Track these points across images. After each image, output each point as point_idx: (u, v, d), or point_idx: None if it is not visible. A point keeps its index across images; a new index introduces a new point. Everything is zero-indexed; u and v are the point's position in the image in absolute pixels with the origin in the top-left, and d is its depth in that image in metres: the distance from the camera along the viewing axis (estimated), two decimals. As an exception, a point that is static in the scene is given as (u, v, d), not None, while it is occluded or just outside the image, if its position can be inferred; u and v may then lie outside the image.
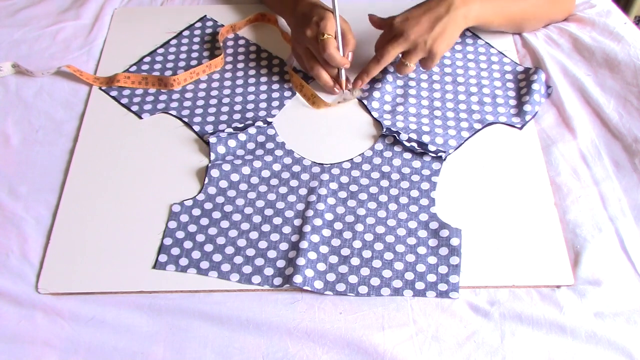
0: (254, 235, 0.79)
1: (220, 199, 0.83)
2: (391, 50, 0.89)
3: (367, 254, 0.77)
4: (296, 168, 0.86)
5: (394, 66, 0.92)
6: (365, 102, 0.94)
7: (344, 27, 0.94)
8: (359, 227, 0.80)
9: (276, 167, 0.86)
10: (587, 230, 0.78)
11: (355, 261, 0.77)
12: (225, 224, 0.81)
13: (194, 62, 1.01)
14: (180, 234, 0.80)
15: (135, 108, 0.94)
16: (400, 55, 0.91)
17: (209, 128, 0.91)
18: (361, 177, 0.85)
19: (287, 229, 0.80)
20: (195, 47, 1.04)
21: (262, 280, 0.76)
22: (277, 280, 0.75)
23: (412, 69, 0.91)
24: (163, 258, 0.77)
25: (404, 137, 0.88)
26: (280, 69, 1.00)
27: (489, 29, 0.99)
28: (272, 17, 1.05)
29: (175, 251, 0.78)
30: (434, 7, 0.89)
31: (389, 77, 0.96)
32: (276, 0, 1.04)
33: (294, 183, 0.84)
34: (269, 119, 0.92)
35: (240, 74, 0.99)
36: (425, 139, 0.89)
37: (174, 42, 1.05)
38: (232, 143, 0.88)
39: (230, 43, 1.04)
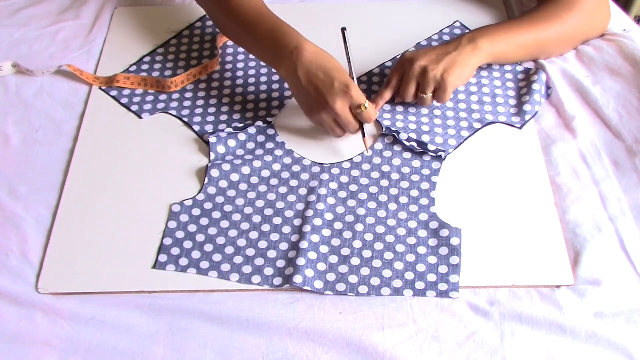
0: (254, 235, 0.79)
1: (220, 199, 0.83)
2: (407, 86, 0.89)
3: (367, 253, 0.77)
4: (296, 168, 0.86)
5: (414, 99, 0.91)
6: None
7: None
8: (359, 227, 0.80)
9: (276, 167, 0.86)
10: (587, 230, 0.78)
11: (355, 261, 0.77)
12: (225, 224, 0.81)
13: (194, 62, 1.01)
14: (180, 234, 0.80)
15: (135, 108, 0.94)
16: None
17: (209, 128, 0.91)
18: (361, 177, 0.85)
19: (287, 229, 0.80)
20: (196, 47, 1.03)
21: (262, 280, 0.76)
22: (277, 280, 0.75)
23: (430, 99, 0.90)
24: (163, 258, 0.77)
25: (403, 136, 0.88)
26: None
27: (510, 62, 0.97)
28: None
29: (175, 251, 0.78)
30: (444, 46, 0.90)
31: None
32: (260, 50, 0.91)
33: (293, 183, 0.84)
34: (269, 119, 0.92)
35: (240, 74, 0.99)
36: (425, 138, 0.89)
37: (174, 42, 1.05)
38: (232, 143, 0.88)
39: (230, 43, 1.04)
